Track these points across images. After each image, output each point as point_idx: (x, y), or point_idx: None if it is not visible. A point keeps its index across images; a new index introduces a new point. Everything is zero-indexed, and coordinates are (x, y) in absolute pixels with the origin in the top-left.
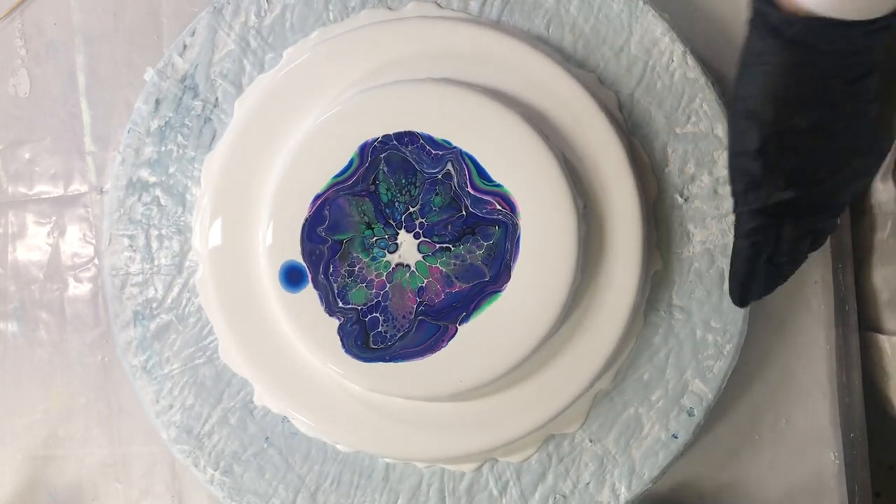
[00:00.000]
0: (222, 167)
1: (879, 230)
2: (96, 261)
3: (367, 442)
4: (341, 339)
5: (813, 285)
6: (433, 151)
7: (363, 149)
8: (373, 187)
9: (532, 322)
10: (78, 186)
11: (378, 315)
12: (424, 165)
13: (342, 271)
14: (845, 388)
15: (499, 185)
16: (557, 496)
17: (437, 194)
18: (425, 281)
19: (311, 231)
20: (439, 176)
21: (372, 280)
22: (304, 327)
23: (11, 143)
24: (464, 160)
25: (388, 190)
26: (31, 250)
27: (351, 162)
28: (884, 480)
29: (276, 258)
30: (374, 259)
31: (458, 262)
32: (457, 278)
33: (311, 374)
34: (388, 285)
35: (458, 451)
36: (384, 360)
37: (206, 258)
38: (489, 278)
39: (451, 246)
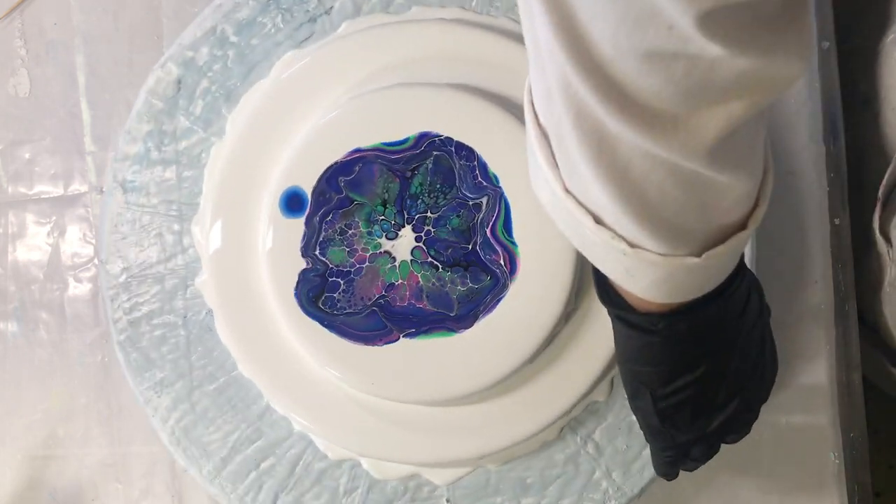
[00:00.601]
0: (291, 72)
1: (883, 272)
2: (96, 261)
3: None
4: (298, 282)
5: (813, 285)
6: (479, 179)
7: (423, 136)
8: (409, 174)
9: (464, 375)
10: (78, 186)
11: (341, 282)
12: (465, 185)
13: (337, 226)
14: (845, 388)
15: (514, 244)
16: None
17: (458, 216)
18: (399, 281)
19: (334, 176)
20: (471, 203)
21: (356, 249)
22: (274, 253)
23: (11, 143)
24: (500, 204)
25: (420, 185)
26: (31, 250)
27: (406, 140)
28: (884, 480)
29: (287, 179)
30: (369, 234)
31: (437, 284)
32: (427, 297)
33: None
34: (366, 263)
35: (331, 432)
36: (322, 323)
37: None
38: (454, 315)
39: (440, 266)
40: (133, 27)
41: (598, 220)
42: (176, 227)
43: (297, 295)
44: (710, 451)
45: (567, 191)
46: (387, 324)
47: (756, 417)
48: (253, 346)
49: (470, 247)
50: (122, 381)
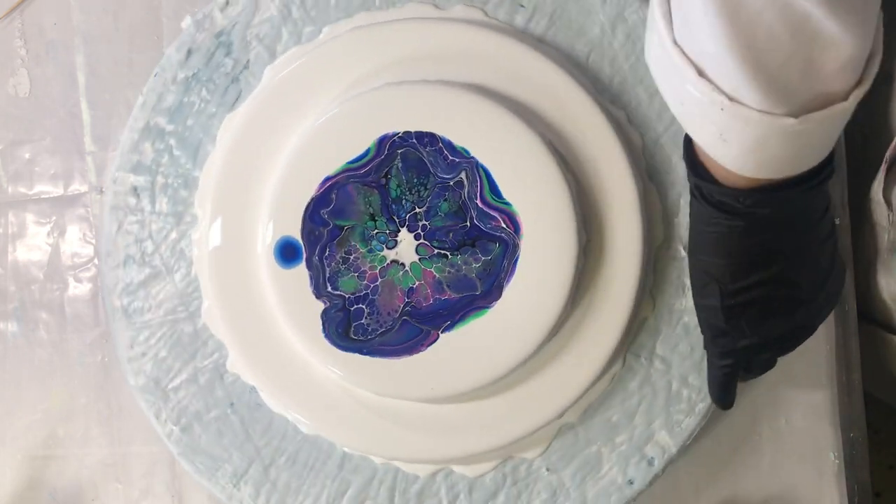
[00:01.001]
0: (239, 130)
1: (879, 242)
2: (96, 261)
3: (328, 426)
4: (323, 323)
5: None
6: (450, 157)
7: (382, 140)
8: (384, 180)
9: (514, 344)
10: (78, 186)
11: (364, 307)
12: (439, 169)
13: (337, 257)
14: (845, 388)
15: (508, 204)
16: None
17: (445, 200)
18: (417, 283)
19: (315, 211)
20: (451, 182)
21: (365, 271)
22: (289, 305)
23: (11, 143)
24: (478, 172)
25: (398, 186)
26: (31, 250)
27: (367, 151)
28: (884, 480)
29: (276, 231)
30: (370, 251)
31: (452, 271)
32: (448, 286)
33: (292, 356)
34: (379, 279)
35: (415, 452)
36: (361, 352)
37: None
38: (480, 292)
39: (448, 253)
40: (133, 27)
41: (700, 73)
42: (189, 328)
43: (328, 336)
44: (768, 364)
45: (675, 42)
46: (421, 327)
47: (810, 335)
48: (302, 400)
49: (468, 223)
50: (122, 381)
